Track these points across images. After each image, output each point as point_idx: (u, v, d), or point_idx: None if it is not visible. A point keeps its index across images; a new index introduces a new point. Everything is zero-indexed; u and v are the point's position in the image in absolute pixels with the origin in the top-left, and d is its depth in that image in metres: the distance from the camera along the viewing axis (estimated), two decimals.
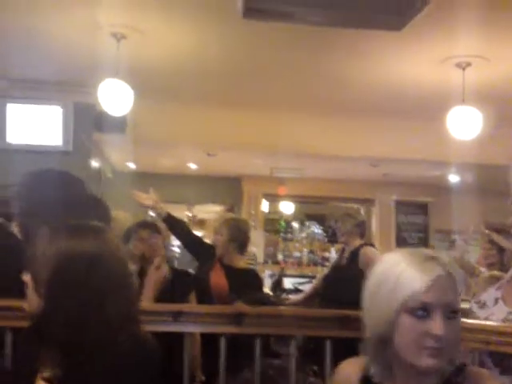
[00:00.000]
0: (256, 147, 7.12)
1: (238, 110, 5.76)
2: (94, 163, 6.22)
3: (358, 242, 4.51)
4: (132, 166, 9.07)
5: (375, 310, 1.24)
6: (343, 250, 4.70)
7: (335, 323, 2.00)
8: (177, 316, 1.91)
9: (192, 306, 2.08)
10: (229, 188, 9.72)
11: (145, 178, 9.27)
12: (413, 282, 1.18)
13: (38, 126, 5.29)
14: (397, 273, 1.21)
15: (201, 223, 14.22)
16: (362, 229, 4.67)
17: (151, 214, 5.05)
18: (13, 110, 5.22)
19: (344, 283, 4.32)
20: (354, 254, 4.44)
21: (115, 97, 4.10)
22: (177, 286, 2.96)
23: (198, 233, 10.21)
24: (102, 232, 1.39)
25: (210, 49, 4.12)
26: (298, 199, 10.12)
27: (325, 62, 4.35)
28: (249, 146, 7.13)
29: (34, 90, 5.22)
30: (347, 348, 1.71)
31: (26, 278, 1.34)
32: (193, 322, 1.94)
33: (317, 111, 5.70)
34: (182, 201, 10.42)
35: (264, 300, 3.30)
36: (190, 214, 13.14)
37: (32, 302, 1.32)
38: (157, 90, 5.08)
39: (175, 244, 5.95)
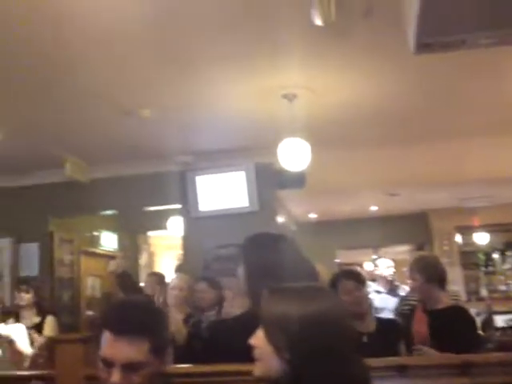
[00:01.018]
0: (440, 180, 6.80)
1: (415, 146, 5.58)
2: (279, 219, 6.42)
3: None
4: (313, 216, 9.21)
5: None
6: None
7: None
8: (401, 370, 1.82)
9: (417, 358, 1.95)
10: (415, 226, 9.34)
11: (326, 226, 9.38)
12: None
13: (224, 191, 5.63)
14: None
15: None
16: None
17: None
18: (201, 181, 5.65)
19: None
20: None
21: (294, 154, 4.22)
22: (383, 337, 2.84)
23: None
24: (332, 293, 1.39)
25: (381, 92, 4.09)
26: (493, 228, 9.31)
27: (499, 81, 4.04)
28: (432, 180, 6.83)
29: (217, 159, 5.61)
30: None
31: (256, 341, 1.35)
32: (420, 376, 1.83)
33: (499, 133, 5.30)
34: (366, 245, 10.26)
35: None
36: (375, 257, 12.89)
37: (270, 366, 1.31)
38: (331, 141, 5.13)
39: (370, 290, 5.72)
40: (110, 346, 1.46)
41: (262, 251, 2.08)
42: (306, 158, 4.28)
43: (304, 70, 3.63)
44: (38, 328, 4.30)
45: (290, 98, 3.99)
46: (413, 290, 3.48)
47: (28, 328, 4.26)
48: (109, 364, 1.45)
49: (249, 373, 1.79)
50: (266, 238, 2.16)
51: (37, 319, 4.42)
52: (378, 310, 4.93)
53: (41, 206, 5.84)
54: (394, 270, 5.43)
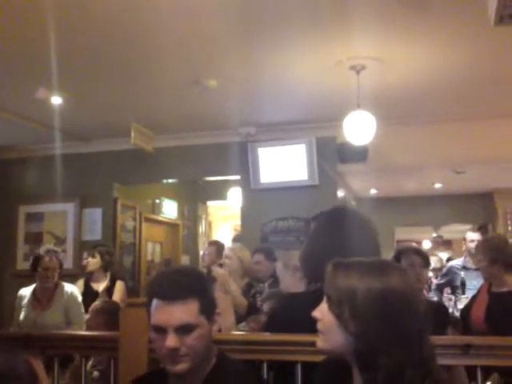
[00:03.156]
0: (509, 158, 6.51)
1: (485, 123, 5.35)
2: (340, 193, 6.35)
3: None
4: (374, 191, 9.07)
5: None
6: None
7: None
8: (466, 349, 1.80)
9: (483, 338, 1.92)
10: (478, 205, 9.05)
11: (387, 203, 9.23)
12: None
13: (284, 164, 5.60)
14: None
15: (447, 244, 13.57)
16: None
17: None
18: (263, 153, 5.64)
19: None
20: None
21: (359, 127, 4.14)
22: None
23: (444, 254, 9.48)
24: (401, 268, 1.37)
25: (452, 65, 3.93)
26: None
27: None
28: (501, 159, 6.55)
29: (279, 131, 5.58)
30: None
31: (319, 314, 1.33)
32: (485, 355, 1.80)
33: None
34: (427, 223, 10.07)
35: None
36: (435, 235, 12.62)
37: (334, 339, 1.30)
38: (397, 115, 5.01)
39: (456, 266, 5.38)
40: (162, 311, 1.51)
41: (330, 228, 2.05)
42: (370, 132, 4.19)
43: (375, 40, 3.52)
44: (108, 292, 4.36)
45: (357, 69, 3.89)
46: (481, 271, 3.42)
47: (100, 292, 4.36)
48: (162, 330, 1.50)
49: (309, 344, 1.80)
50: (336, 214, 2.14)
51: (107, 283, 4.48)
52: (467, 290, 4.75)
53: (106, 172, 6.00)
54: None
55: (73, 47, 3.57)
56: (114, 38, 3.48)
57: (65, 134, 5.59)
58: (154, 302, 1.54)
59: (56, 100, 4.48)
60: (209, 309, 1.57)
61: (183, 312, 1.50)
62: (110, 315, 3.30)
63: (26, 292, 3.98)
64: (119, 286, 4.49)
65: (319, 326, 1.34)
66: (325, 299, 1.34)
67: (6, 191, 6.20)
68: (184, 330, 1.50)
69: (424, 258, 3.22)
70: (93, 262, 4.53)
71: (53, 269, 3.87)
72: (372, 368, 1.24)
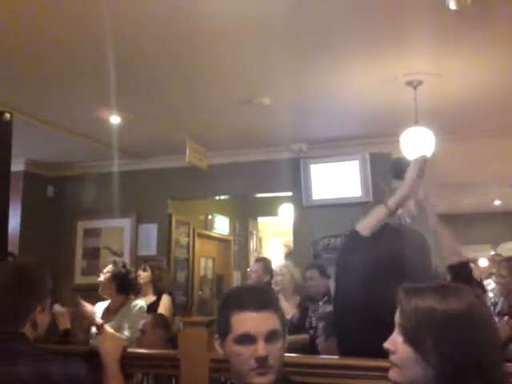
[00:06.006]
0: None
1: None
2: None
3: None
4: None
5: None
6: None
7: None
8: None
9: None
10: None
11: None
12: None
13: (337, 180, 5.54)
14: None
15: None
16: None
17: None
18: (315, 169, 5.60)
19: None
20: None
21: (417, 144, 4.05)
22: None
23: None
24: (470, 289, 1.29)
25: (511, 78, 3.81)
26: None
27: None
28: None
29: (332, 148, 5.53)
30: None
31: (393, 346, 1.26)
32: None
33: None
34: (484, 240, 9.73)
35: None
36: (493, 253, 12.21)
37: (414, 373, 1.21)
38: (454, 130, 4.88)
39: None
40: (250, 320, 1.52)
41: (379, 248, 2.05)
42: (429, 149, 4.10)
43: (432, 55, 3.45)
44: (153, 306, 4.23)
45: (414, 85, 3.82)
46: None
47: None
48: (251, 339, 1.50)
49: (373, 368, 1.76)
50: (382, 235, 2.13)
51: (152, 298, 4.39)
52: None
53: (161, 189, 6.09)
54: None
55: (131, 69, 3.66)
56: (170, 60, 3.55)
57: (121, 152, 5.72)
58: (238, 314, 1.54)
59: (115, 119, 4.59)
60: (283, 324, 1.59)
61: (270, 319, 1.53)
62: (166, 329, 3.30)
63: (102, 306, 3.87)
64: (165, 299, 4.39)
65: (392, 358, 1.26)
66: (398, 330, 1.25)
67: (65, 207, 6.38)
68: (271, 336, 1.51)
69: (482, 287, 3.15)
70: (143, 276, 4.48)
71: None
72: None
